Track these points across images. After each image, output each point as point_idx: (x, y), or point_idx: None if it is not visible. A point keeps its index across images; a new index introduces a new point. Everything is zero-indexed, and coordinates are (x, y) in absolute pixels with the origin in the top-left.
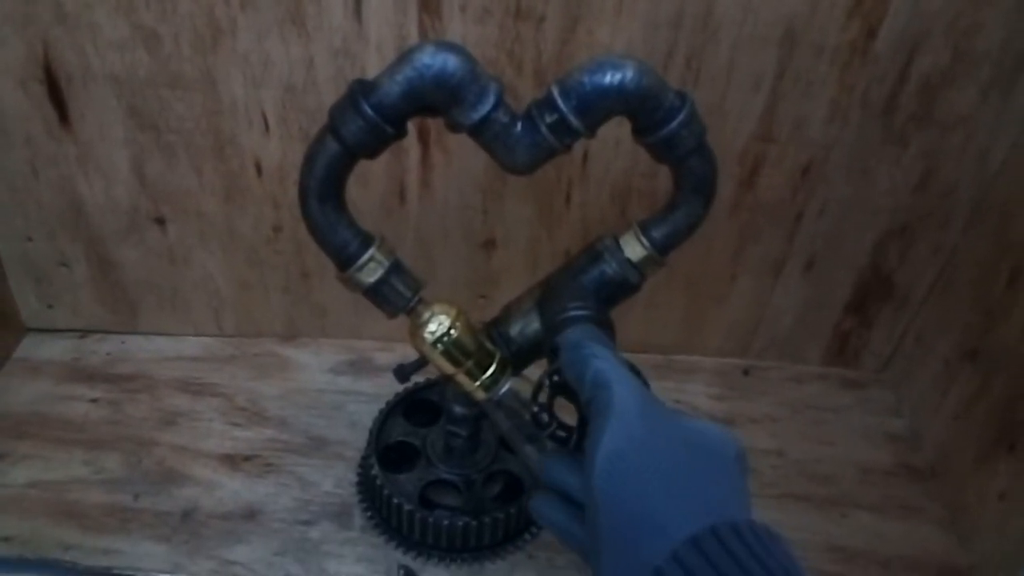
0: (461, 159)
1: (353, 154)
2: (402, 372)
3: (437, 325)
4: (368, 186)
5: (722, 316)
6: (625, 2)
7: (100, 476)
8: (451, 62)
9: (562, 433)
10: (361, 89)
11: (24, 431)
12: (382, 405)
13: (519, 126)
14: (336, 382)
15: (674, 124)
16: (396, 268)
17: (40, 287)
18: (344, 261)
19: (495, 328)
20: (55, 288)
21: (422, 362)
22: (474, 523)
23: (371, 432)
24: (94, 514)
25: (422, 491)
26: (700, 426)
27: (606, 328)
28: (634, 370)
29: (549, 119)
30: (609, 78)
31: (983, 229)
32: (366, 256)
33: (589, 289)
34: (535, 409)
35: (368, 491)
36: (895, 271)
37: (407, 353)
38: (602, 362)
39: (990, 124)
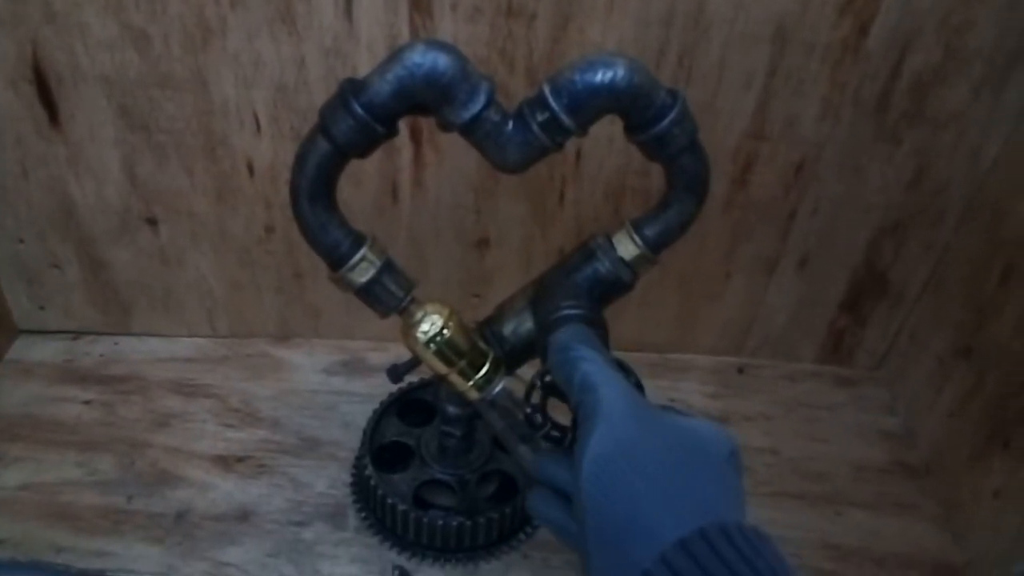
0: (453, 158)
1: (344, 153)
2: (395, 372)
3: (430, 325)
4: (360, 185)
5: (716, 314)
6: (616, 0)
7: (93, 478)
8: (442, 61)
9: (556, 433)
10: (351, 88)
11: (16, 433)
12: (376, 405)
13: (510, 125)
14: (329, 382)
15: (666, 122)
16: (388, 268)
17: (32, 288)
18: (336, 261)
19: (488, 327)
20: (47, 289)
21: (415, 362)
22: (468, 523)
23: (365, 432)
24: (87, 516)
25: (416, 491)
26: (692, 425)
27: (599, 327)
28: (626, 369)
29: (540, 117)
30: (600, 76)
31: (975, 226)
32: (358, 256)
33: (582, 288)
34: (528, 410)
35: (362, 491)
36: (888, 269)
37: (400, 353)
38: (590, 364)
39: (982, 121)
